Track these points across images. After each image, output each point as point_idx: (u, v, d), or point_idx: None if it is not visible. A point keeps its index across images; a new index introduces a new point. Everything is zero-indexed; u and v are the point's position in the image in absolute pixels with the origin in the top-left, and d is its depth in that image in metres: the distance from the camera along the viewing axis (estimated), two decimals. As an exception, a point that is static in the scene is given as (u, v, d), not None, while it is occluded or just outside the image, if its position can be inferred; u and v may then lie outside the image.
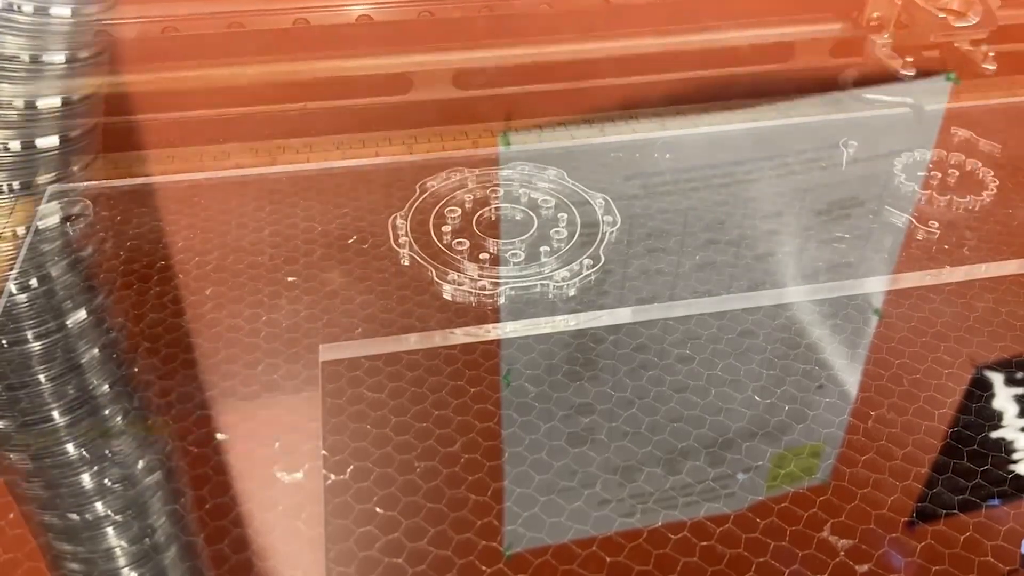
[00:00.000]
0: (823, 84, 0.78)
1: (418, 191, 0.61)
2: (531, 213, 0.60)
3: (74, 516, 0.41)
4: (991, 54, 0.77)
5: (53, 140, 0.60)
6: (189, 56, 0.70)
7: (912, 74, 0.76)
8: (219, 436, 0.44)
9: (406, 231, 0.57)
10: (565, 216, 0.59)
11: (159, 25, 0.69)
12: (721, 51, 0.78)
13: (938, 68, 0.77)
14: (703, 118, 0.72)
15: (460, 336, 0.50)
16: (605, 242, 0.57)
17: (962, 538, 0.40)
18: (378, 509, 0.41)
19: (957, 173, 0.65)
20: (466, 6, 0.74)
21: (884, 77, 0.77)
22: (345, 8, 0.72)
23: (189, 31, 0.70)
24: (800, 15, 0.79)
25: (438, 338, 0.50)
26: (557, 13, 0.76)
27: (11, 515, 0.41)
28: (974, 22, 0.75)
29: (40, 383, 0.47)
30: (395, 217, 0.59)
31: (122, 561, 0.40)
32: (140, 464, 0.44)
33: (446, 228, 0.58)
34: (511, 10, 0.76)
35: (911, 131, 0.69)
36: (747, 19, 0.78)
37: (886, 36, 0.78)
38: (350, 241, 0.57)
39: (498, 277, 0.54)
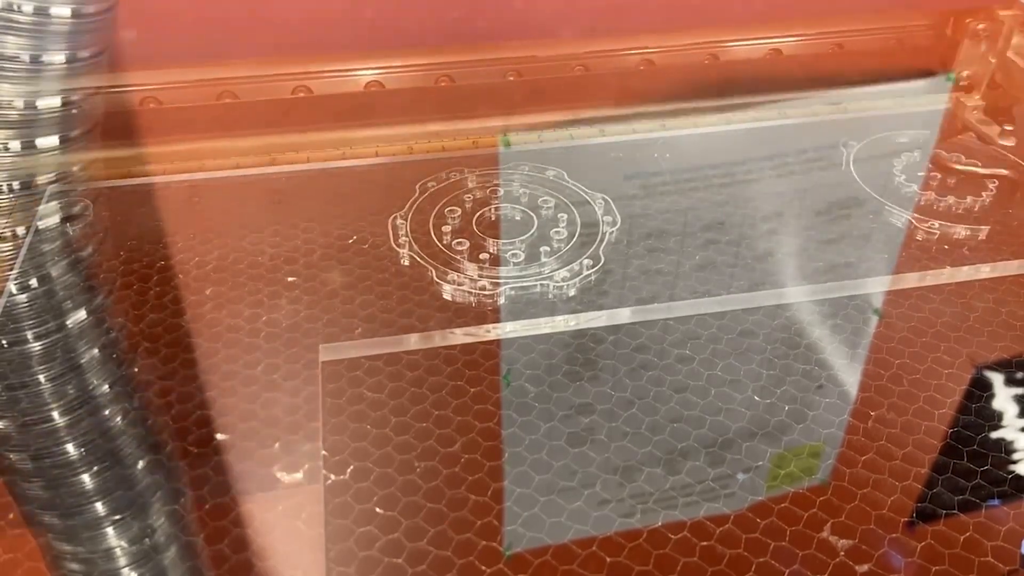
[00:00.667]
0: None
1: (418, 191, 0.61)
2: (531, 213, 0.60)
3: (74, 516, 0.41)
4: (1008, 128, 0.68)
5: (53, 140, 0.60)
6: (172, 132, 0.63)
7: (1011, 144, 0.67)
8: (219, 436, 0.44)
9: (406, 231, 0.57)
10: (565, 216, 0.59)
11: (137, 96, 0.63)
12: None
13: None
14: (703, 118, 0.72)
15: (460, 336, 0.50)
16: (605, 242, 0.57)
17: (962, 538, 0.40)
18: (378, 509, 0.41)
19: (956, 175, 0.65)
20: (491, 70, 0.67)
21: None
22: (352, 74, 0.66)
23: (172, 103, 0.63)
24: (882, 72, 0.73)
25: (438, 338, 0.50)
26: (593, 76, 0.69)
27: (11, 515, 0.41)
28: None
29: (40, 383, 0.47)
30: (395, 217, 0.59)
31: (122, 561, 0.40)
32: (140, 464, 0.44)
33: (446, 228, 0.58)
34: (543, 75, 0.67)
35: (911, 129, 0.68)
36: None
37: (977, 98, 0.71)
38: (350, 241, 0.57)
39: (498, 277, 0.54)
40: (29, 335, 0.50)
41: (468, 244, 0.56)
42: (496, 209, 0.60)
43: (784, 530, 0.40)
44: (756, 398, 0.47)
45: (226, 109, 0.64)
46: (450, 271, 0.54)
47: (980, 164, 0.66)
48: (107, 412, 0.46)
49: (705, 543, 0.40)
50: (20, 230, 0.58)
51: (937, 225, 0.59)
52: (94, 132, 0.64)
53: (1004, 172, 0.64)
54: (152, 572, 0.39)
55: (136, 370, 0.48)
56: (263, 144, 0.64)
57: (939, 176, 0.64)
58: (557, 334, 0.51)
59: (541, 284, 0.54)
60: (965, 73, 0.71)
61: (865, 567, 0.39)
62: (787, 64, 0.71)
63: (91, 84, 0.61)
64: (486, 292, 0.53)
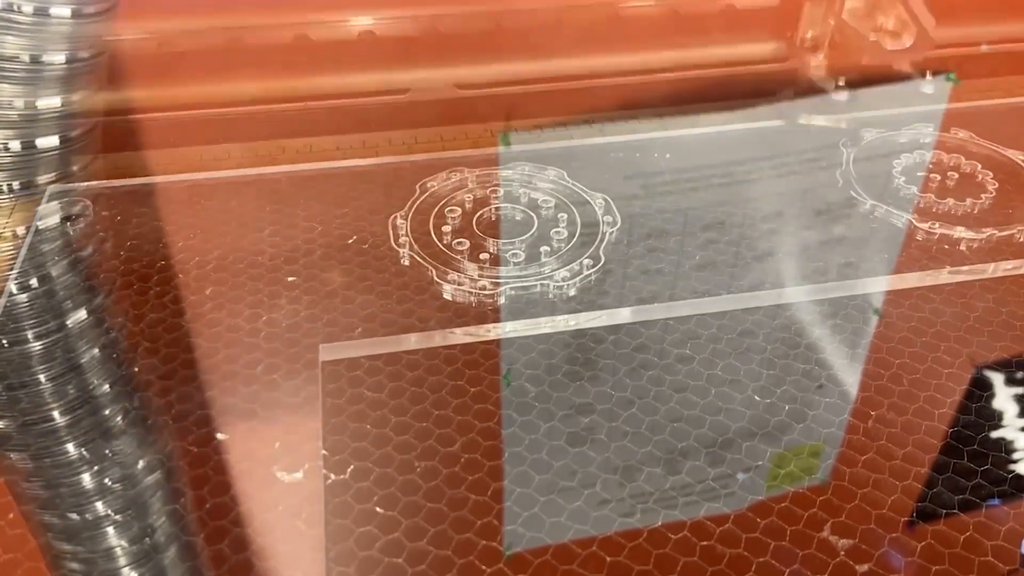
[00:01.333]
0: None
1: (418, 191, 0.61)
2: (531, 213, 0.60)
3: (74, 516, 0.41)
4: (928, 76, 0.74)
5: (53, 140, 0.60)
6: (186, 72, 0.69)
7: (844, 98, 0.72)
8: (219, 436, 0.44)
9: (406, 231, 0.57)
10: (565, 216, 0.59)
11: (154, 41, 0.68)
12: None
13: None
14: (703, 118, 0.72)
15: (460, 336, 0.50)
16: (605, 242, 0.57)
17: (962, 538, 0.40)
18: (378, 509, 0.41)
19: (956, 175, 0.65)
20: (475, 20, 0.73)
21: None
22: (347, 23, 0.71)
23: (186, 47, 0.69)
24: (735, 34, 0.76)
25: (438, 338, 0.50)
26: (564, 25, 0.74)
27: (11, 515, 0.41)
28: (908, 44, 0.71)
29: (40, 383, 0.47)
30: (395, 217, 0.59)
31: (122, 561, 0.40)
32: (140, 464, 0.44)
33: (446, 228, 0.58)
34: (518, 23, 0.74)
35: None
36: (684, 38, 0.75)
37: (820, 57, 0.75)
38: (350, 241, 0.57)
39: (498, 277, 0.54)
40: (29, 335, 0.50)
41: (468, 244, 0.56)
42: (496, 209, 0.60)
43: (784, 530, 0.40)
44: (756, 398, 0.47)
45: (234, 53, 0.69)
46: (450, 271, 0.54)
47: (980, 164, 0.66)
48: (107, 412, 0.46)
49: (705, 543, 0.40)
50: (20, 230, 0.58)
51: (937, 225, 0.59)
52: (94, 132, 0.64)
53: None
54: (152, 572, 0.39)
55: (136, 370, 0.48)
56: (267, 87, 0.70)
57: (939, 177, 0.64)
58: (557, 334, 0.51)
59: (541, 284, 0.54)
60: (809, 34, 0.75)
61: (865, 567, 0.39)
62: (632, 22, 0.73)
63: (91, 84, 0.61)
64: (486, 292, 0.53)
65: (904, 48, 0.72)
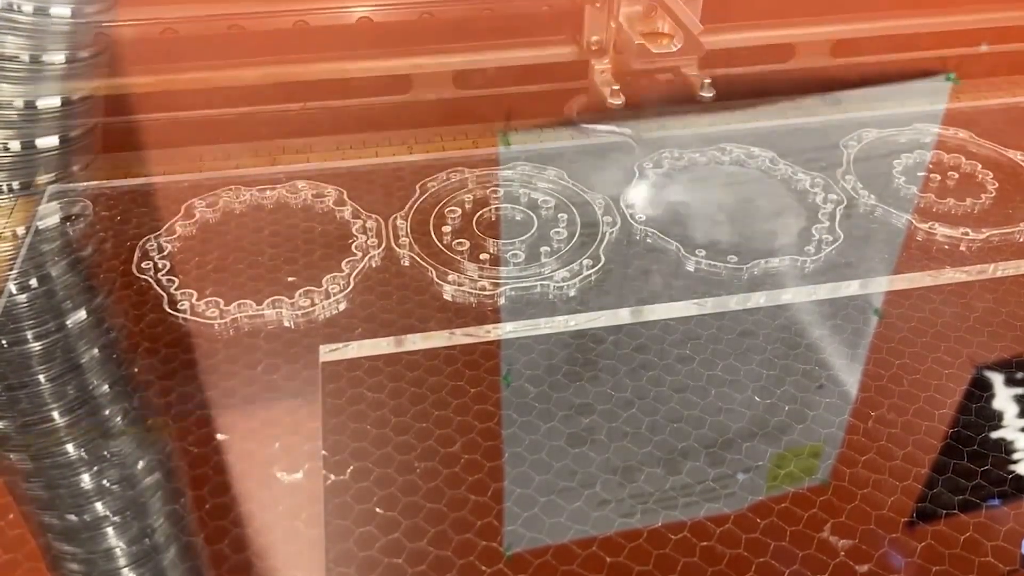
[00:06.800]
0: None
1: (418, 191, 0.61)
2: (531, 213, 0.60)
3: (74, 517, 0.41)
4: (707, 81, 0.72)
5: (53, 140, 0.60)
6: (188, 58, 0.70)
7: (619, 103, 0.71)
8: (219, 436, 0.44)
9: (406, 231, 0.57)
10: (565, 216, 0.59)
11: (158, 27, 0.69)
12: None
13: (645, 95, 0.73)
14: (703, 118, 0.72)
15: (460, 336, 0.50)
16: (605, 242, 0.57)
17: (962, 538, 0.40)
18: (378, 509, 0.41)
19: (956, 175, 0.65)
20: (467, 7, 0.74)
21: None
22: (345, 9, 0.72)
23: (188, 33, 0.69)
24: (530, 37, 0.76)
25: (438, 338, 0.50)
26: (557, 14, 0.75)
27: (11, 515, 0.41)
28: (676, 48, 0.69)
29: (40, 383, 0.47)
30: (395, 217, 0.59)
31: (122, 561, 0.40)
32: (140, 464, 0.44)
33: (446, 228, 0.58)
34: (512, 10, 0.75)
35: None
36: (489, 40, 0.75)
37: (606, 61, 0.74)
38: (350, 241, 0.57)
39: (498, 277, 0.54)
40: (29, 335, 0.50)
41: (468, 244, 0.56)
42: (496, 209, 0.60)
43: (784, 530, 0.40)
44: (756, 398, 0.47)
45: (235, 39, 0.70)
46: (450, 271, 0.54)
47: (980, 164, 0.66)
48: (107, 412, 0.46)
49: (705, 543, 0.40)
50: (20, 230, 0.58)
51: (937, 226, 0.59)
52: (94, 132, 0.64)
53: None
54: (152, 572, 0.39)
55: (136, 370, 0.48)
56: (267, 73, 0.71)
57: (939, 177, 0.64)
58: (557, 334, 0.51)
59: (541, 284, 0.54)
60: (595, 38, 0.74)
61: (865, 567, 0.39)
62: (435, 25, 0.75)
63: (91, 84, 0.61)
64: (486, 292, 0.53)
65: (671, 52, 0.69)
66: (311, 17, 0.71)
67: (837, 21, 0.81)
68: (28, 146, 0.59)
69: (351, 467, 0.42)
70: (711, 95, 0.72)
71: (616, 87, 0.72)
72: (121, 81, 0.67)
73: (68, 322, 0.51)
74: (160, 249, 0.56)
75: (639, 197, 0.61)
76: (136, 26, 0.68)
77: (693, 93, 0.73)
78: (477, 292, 0.53)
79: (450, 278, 0.54)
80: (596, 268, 0.55)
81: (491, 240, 0.57)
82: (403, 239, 0.57)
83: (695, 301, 0.53)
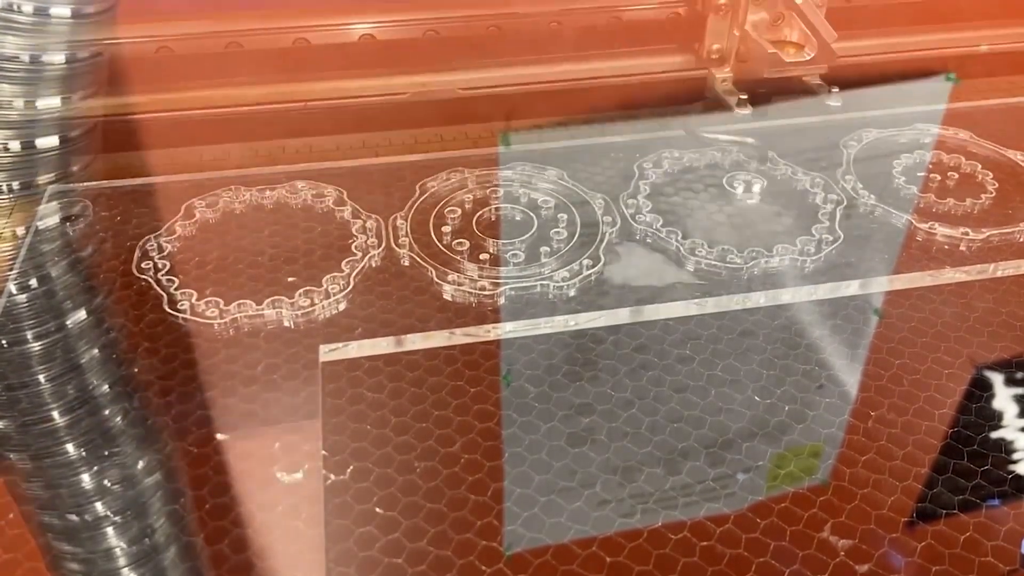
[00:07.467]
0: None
1: (418, 191, 0.61)
2: (531, 213, 0.60)
3: (74, 517, 0.41)
4: (834, 90, 0.73)
5: (53, 140, 0.60)
6: (185, 78, 0.69)
7: (748, 112, 0.71)
8: (219, 436, 0.44)
9: (406, 231, 0.57)
10: (565, 216, 0.59)
11: (152, 45, 0.68)
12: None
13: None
14: (703, 118, 0.72)
15: (460, 336, 0.50)
16: (605, 242, 0.57)
17: (962, 538, 0.40)
18: (378, 509, 0.41)
19: (956, 175, 0.65)
20: (472, 24, 0.73)
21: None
22: (347, 27, 0.71)
23: (185, 51, 0.68)
24: (641, 47, 0.76)
25: (438, 338, 0.50)
26: (566, 31, 0.75)
27: (11, 515, 0.41)
28: (809, 57, 0.70)
29: (40, 383, 0.47)
30: (395, 217, 0.59)
31: (122, 561, 0.40)
32: (140, 464, 0.44)
33: (446, 228, 0.58)
34: (519, 27, 0.74)
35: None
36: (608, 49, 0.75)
37: (727, 70, 0.74)
38: (350, 241, 0.57)
39: (498, 277, 0.54)
40: (29, 335, 0.50)
41: (468, 244, 0.56)
42: (496, 209, 0.60)
43: (784, 530, 0.40)
44: (756, 398, 0.47)
45: (233, 57, 0.69)
46: (450, 271, 0.54)
47: (980, 164, 0.66)
48: (107, 412, 0.46)
49: (705, 543, 0.40)
50: (20, 230, 0.58)
51: (937, 226, 0.59)
52: (94, 132, 0.64)
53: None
54: (152, 572, 0.39)
55: (136, 370, 0.48)
56: (265, 92, 0.70)
57: (939, 177, 0.64)
58: (557, 334, 0.51)
59: (541, 284, 0.54)
60: (715, 47, 0.74)
61: (865, 567, 0.39)
62: (563, 31, 0.74)
63: (91, 84, 0.61)
64: (486, 292, 0.53)
65: (804, 61, 0.71)
66: (312, 35, 0.70)
67: (845, 38, 0.80)
68: (28, 146, 0.59)
69: (351, 467, 0.42)
70: (838, 104, 0.72)
71: (744, 96, 0.72)
72: (116, 101, 0.66)
73: (68, 322, 0.51)
74: (160, 249, 0.56)
75: (639, 197, 0.61)
76: (132, 44, 0.67)
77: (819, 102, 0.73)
78: (477, 292, 0.53)
79: (450, 278, 0.54)
80: (596, 268, 0.55)
81: (491, 240, 0.57)
82: (403, 239, 0.57)
83: (695, 301, 0.53)
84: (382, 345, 0.49)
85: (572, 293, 0.54)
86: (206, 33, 0.68)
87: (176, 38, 0.68)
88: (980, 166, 0.66)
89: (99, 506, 0.42)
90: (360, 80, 0.71)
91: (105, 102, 0.64)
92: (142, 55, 0.67)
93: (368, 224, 0.58)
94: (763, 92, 0.73)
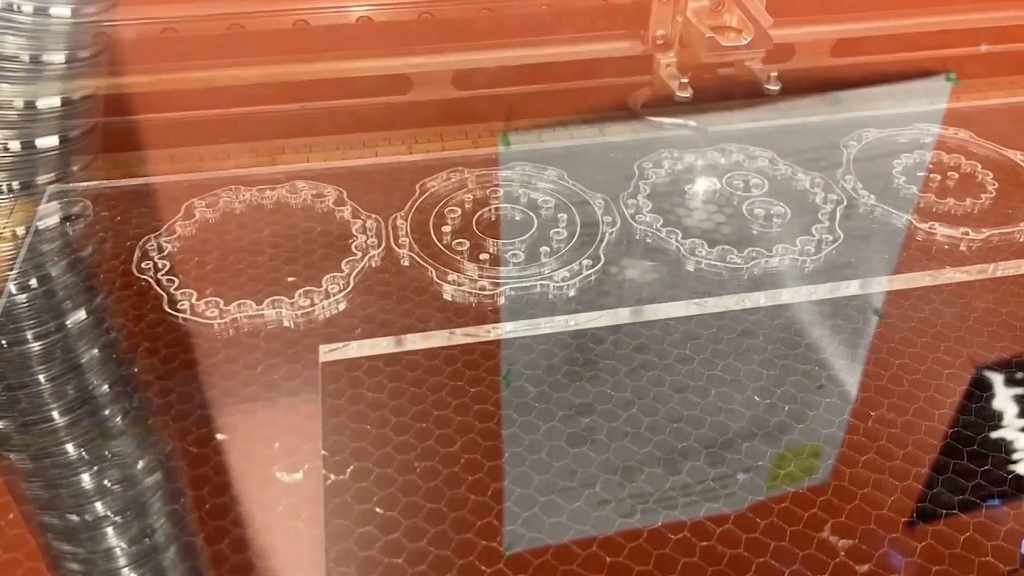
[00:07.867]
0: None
1: (418, 191, 0.61)
2: (531, 213, 0.60)
3: (74, 517, 0.41)
4: (774, 74, 0.73)
5: (53, 140, 0.60)
6: (189, 57, 0.70)
7: (688, 96, 0.72)
8: (219, 436, 0.44)
9: (406, 231, 0.57)
10: (565, 216, 0.59)
11: (158, 26, 0.69)
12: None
13: (715, 89, 0.74)
14: (702, 118, 0.72)
15: (460, 336, 0.50)
16: (605, 242, 0.57)
17: (962, 538, 0.40)
18: (378, 509, 0.41)
19: (956, 175, 0.65)
20: (466, 7, 0.74)
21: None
22: (345, 9, 0.72)
23: (189, 33, 0.69)
24: (591, 32, 0.77)
25: (438, 338, 0.50)
26: (556, 13, 0.75)
27: (11, 515, 0.41)
28: (746, 41, 0.70)
29: (40, 383, 0.47)
30: (395, 217, 0.59)
31: (122, 561, 0.40)
32: (140, 464, 0.44)
33: (446, 228, 0.58)
34: (511, 10, 0.75)
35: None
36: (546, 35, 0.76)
37: (671, 55, 0.75)
38: (350, 241, 0.57)
39: (498, 277, 0.54)
40: (29, 335, 0.50)
41: (468, 244, 0.56)
42: (496, 209, 0.60)
43: (784, 530, 0.40)
44: (756, 398, 0.47)
45: (235, 38, 0.70)
46: (450, 271, 0.54)
47: (980, 164, 0.66)
48: (107, 412, 0.46)
49: (705, 543, 0.40)
50: (20, 230, 0.58)
51: (937, 226, 0.59)
52: (94, 132, 0.64)
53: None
54: (152, 572, 0.39)
55: (136, 370, 0.48)
56: (266, 73, 0.71)
57: (939, 177, 0.64)
58: (557, 334, 0.51)
59: (541, 284, 0.54)
60: (660, 32, 0.75)
61: (865, 567, 0.39)
62: (486, 22, 0.75)
63: (91, 84, 0.61)
64: (486, 292, 0.53)
65: (742, 45, 0.71)
66: (311, 16, 0.71)
67: (837, 20, 0.81)
68: (28, 146, 0.59)
69: (351, 467, 0.42)
70: (777, 88, 0.73)
71: (685, 80, 0.73)
72: (121, 80, 0.67)
73: (68, 322, 0.51)
74: (160, 249, 0.56)
75: (639, 197, 0.61)
76: (136, 26, 0.68)
77: (758, 87, 0.74)
78: (477, 292, 0.53)
79: (450, 278, 0.54)
80: (596, 268, 0.55)
81: (491, 240, 0.57)
82: (403, 239, 0.57)
83: (695, 301, 0.53)
84: (382, 345, 0.49)
85: (572, 293, 0.54)
86: (209, 15, 0.70)
87: (181, 20, 0.69)
88: (980, 166, 0.66)
89: (99, 506, 0.42)
90: (358, 61, 0.73)
91: (111, 81, 0.65)
92: (148, 36, 0.69)
93: (368, 224, 0.58)
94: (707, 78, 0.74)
